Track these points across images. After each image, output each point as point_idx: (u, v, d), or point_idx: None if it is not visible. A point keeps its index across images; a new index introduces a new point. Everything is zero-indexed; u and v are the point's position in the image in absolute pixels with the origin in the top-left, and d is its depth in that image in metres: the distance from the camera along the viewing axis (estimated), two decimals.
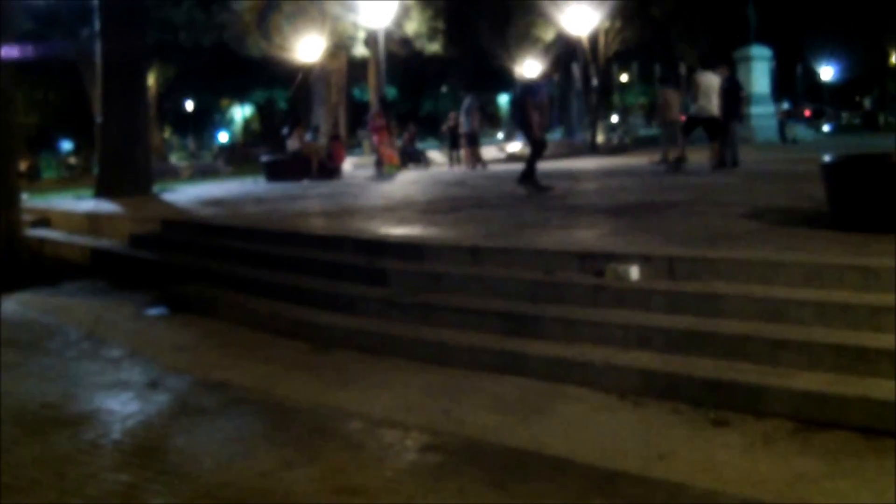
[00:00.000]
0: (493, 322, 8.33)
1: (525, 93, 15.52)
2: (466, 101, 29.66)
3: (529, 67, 51.25)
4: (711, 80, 19.53)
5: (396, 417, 6.85)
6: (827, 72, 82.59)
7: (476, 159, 29.25)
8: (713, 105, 19.30)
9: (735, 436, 6.08)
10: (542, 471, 5.74)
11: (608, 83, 39.92)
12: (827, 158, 9.68)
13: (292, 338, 9.43)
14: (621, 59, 50.73)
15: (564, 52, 46.17)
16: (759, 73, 37.18)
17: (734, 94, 20.09)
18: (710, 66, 20.64)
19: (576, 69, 44.57)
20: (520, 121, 15.81)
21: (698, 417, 6.44)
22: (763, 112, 36.43)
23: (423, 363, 8.16)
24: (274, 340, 9.50)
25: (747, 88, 31.56)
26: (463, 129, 29.62)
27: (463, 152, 30.07)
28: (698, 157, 20.74)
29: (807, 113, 35.52)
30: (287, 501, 5.52)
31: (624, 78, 64.28)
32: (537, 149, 15.65)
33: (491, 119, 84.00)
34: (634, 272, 8.19)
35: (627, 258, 8.40)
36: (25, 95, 47.84)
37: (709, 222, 10.57)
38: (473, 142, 29.48)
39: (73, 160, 66.44)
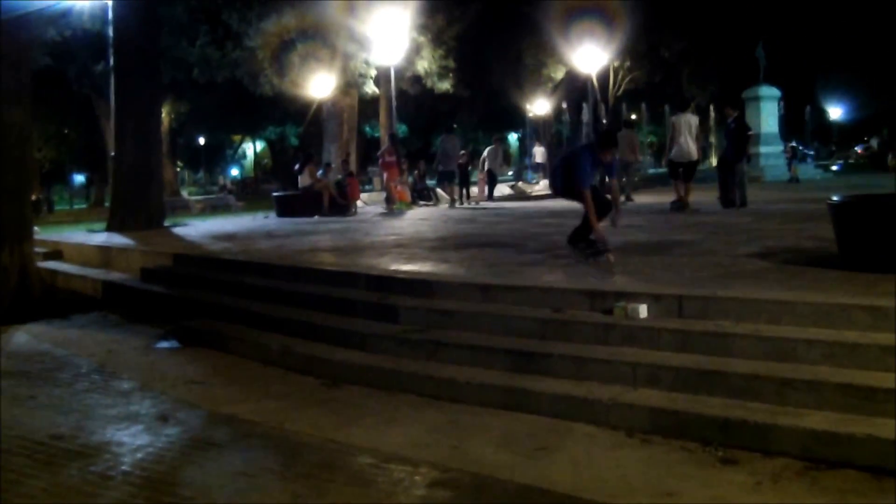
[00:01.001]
0: (503, 359, 8.34)
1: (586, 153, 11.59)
2: (442, 140, 29.80)
3: (539, 106, 51.48)
4: (687, 121, 19.82)
5: (406, 453, 6.85)
6: (836, 112, 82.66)
7: (454, 197, 29.43)
8: (690, 147, 19.60)
9: (743, 474, 6.06)
10: None
11: (617, 122, 39.93)
12: (835, 198, 9.69)
13: (303, 373, 9.44)
14: (631, 98, 50.90)
15: (574, 91, 46.38)
16: (767, 113, 37.28)
17: (742, 134, 20.17)
18: (683, 106, 20.94)
19: (585, 108, 44.73)
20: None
21: (707, 456, 6.43)
22: (772, 151, 36.50)
23: (432, 399, 8.16)
24: (285, 375, 9.50)
25: (756, 128, 31.70)
26: (440, 167, 29.65)
27: (449, 189, 30.14)
28: (707, 196, 20.75)
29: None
30: None
31: (633, 117, 64.60)
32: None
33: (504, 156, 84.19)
34: (643, 310, 8.20)
35: (636, 296, 8.41)
36: (40, 129, 48.12)
37: (718, 261, 10.58)
38: (452, 179, 29.62)
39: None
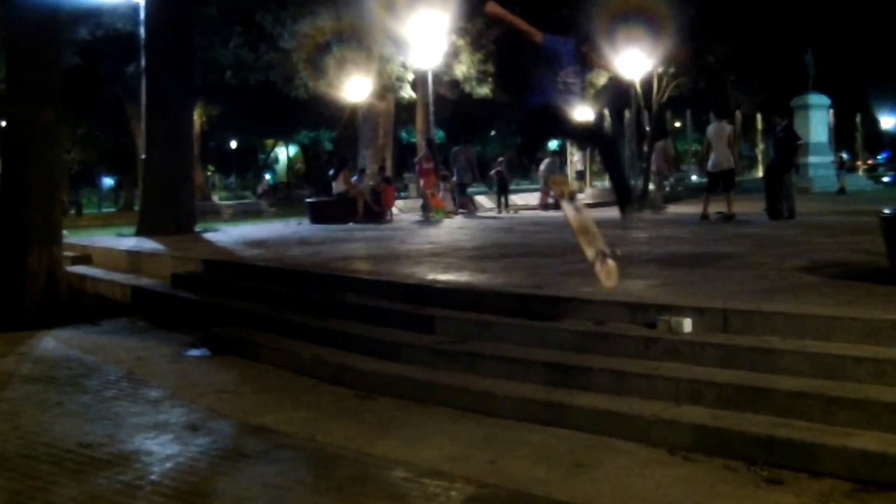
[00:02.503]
0: (541, 372, 8.33)
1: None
2: (456, 151, 29.97)
3: (581, 112, 51.41)
4: (720, 129, 19.89)
5: (441, 467, 6.86)
6: (888, 121, 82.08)
7: (464, 206, 29.56)
8: (722, 158, 19.71)
9: (789, 495, 6.04)
10: None
11: (661, 130, 39.80)
12: (887, 211, 9.64)
13: (336, 384, 9.47)
14: (675, 105, 50.70)
15: (616, 98, 46.24)
16: (816, 122, 37.15)
17: (790, 144, 20.12)
18: (719, 114, 21.01)
19: (628, 115, 44.59)
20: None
21: (750, 475, 6.40)
22: (820, 162, 36.33)
23: (468, 412, 8.16)
24: (317, 386, 9.54)
25: (805, 137, 31.57)
26: (456, 178, 29.84)
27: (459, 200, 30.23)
28: (754, 207, 20.68)
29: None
30: None
31: (678, 125, 64.24)
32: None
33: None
34: (687, 324, 8.18)
35: (680, 310, 8.39)
36: (69, 130, 48.46)
37: (764, 275, 10.54)
38: (465, 191, 29.88)
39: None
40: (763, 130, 49.54)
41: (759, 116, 50.51)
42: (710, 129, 20.65)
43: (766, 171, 21.62)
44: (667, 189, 26.14)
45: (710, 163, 20.40)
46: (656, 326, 8.36)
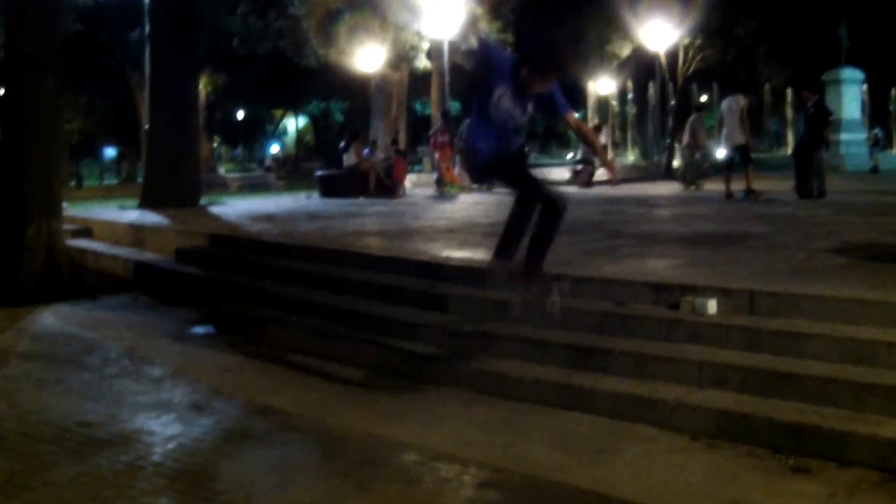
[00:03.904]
0: (559, 355, 8.33)
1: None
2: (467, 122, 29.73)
3: (603, 84, 51.26)
4: (733, 103, 19.87)
5: (454, 451, 6.87)
6: None
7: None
8: (734, 132, 19.68)
9: (816, 485, 6.03)
10: None
11: (687, 104, 39.59)
12: None
13: (345, 363, 9.48)
14: (701, 79, 50.49)
15: (640, 70, 46.12)
16: (849, 98, 36.96)
17: (821, 120, 20.02)
18: (733, 89, 20.96)
19: (652, 88, 44.48)
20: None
21: (776, 463, 6.40)
22: (853, 139, 36.16)
23: (483, 395, 8.17)
24: (326, 365, 9.54)
25: (837, 114, 31.42)
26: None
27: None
28: (783, 185, 20.63)
29: None
30: None
31: (704, 99, 64.05)
32: None
33: (562, 138, 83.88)
34: (712, 306, 8.16)
35: (705, 291, 8.37)
36: (70, 100, 48.43)
37: (792, 256, 10.51)
38: None
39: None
40: (793, 106, 49.30)
41: (789, 91, 50.29)
42: (724, 104, 20.66)
43: (796, 149, 21.51)
44: (704, 165, 25.96)
45: (723, 138, 20.43)
46: (680, 308, 8.35)
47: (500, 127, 7.88)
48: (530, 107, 7.94)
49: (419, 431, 7.33)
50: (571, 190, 27.20)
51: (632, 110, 52.59)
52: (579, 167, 30.04)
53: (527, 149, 8.53)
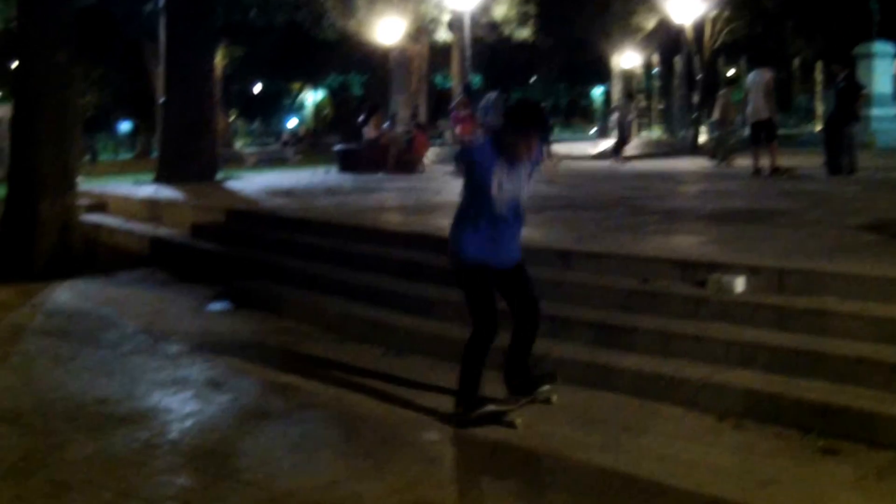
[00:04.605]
0: (583, 332, 8.34)
1: None
2: (491, 97, 29.57)
3: (627, 58, 51.05)
4: (757, 79, 19.80)
5: (475, 430, 6.89)
6: None
7: None
8: (758, 106, 19.59)
9: (846, 467, 6.03)
10: (634, 495, 5.74)
11: (713, 78, 39.40)
12: None
13: (364, 340, 9.50)
14: (728, 52, 50.26)
15: (666, 43, 45.89)
16: (881, 72, 36.64)
17: (852, 95, 19.89)
18: (760, 62, 20.86)
19: (678, 62, 44.27)
20: None
21: (805, 445, 6.39)
22: (885, 114, 35.91)
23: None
24: (344, 342, 9.59)
25: (868, 88, 31.17)
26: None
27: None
28: (812, 161, 20.55)
29: None
30: None
31: (731, 73, 63.71)
32: None
33: (585, 113, 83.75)
34: (740, 284, 8.15)
35: (732, 268, 8.35)
36: (84, 73, 48.46)
37: (822, 233, 10.48)
38: None
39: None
40: (823, 80, 49.03)
41: (818, 65, 50.02)
42: (749, 78, 20.59)
43: (826, 124, 21.40)
44: (732, 141, 25.85)
45: (747, 113, 20.37)
46: (706, 285, 8.33)
47: (499, 219, 7.00)
48: (529, 175, 7.11)
49: (439, 409, 7.34)
50: (604, 164, 27.16)
51: (657, 84, 52.35)
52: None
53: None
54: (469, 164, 7.05)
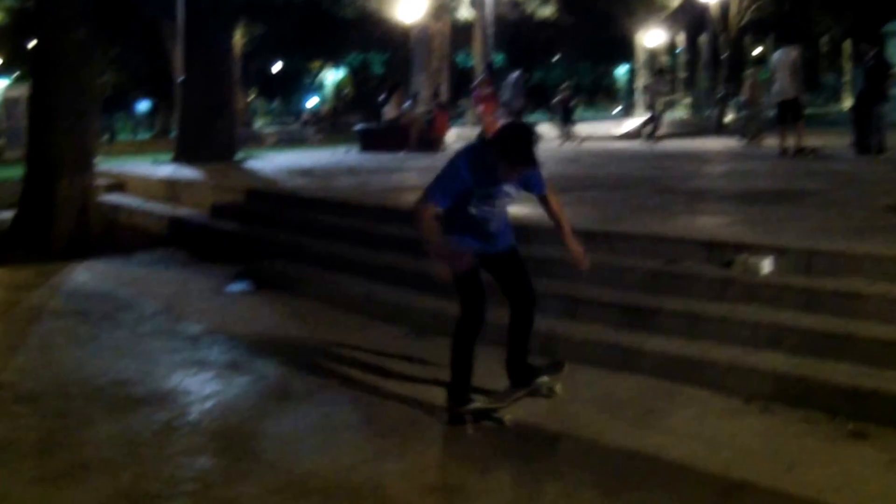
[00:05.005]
0: (607, 314, 8.33)
1: None
2: (512, 77, 29.46)
3: (652, 36, 50.91)
4: (784, 56, 19.69)
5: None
6: None
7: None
8: (784, 85, 19.47)
9: (874, 450, 6.02)
10: (659, 478, 5.74)
11: (739, 57, 39.31)
12: None
13: (386, 321, 9.52)
14: (755, 30, 50.05)
15: (691, 21, 45.74)
16: None
17: (881, 74, 19.77)
18: (786, 40, 20.73)
19: (703, 40, 44.11)
20: None
21: (833, 428, 6.38)
22: None
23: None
24: (367, 323, 9.62)
25: None
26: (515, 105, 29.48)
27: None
28: (840, 141, 20.45)
29: None
30: (377, 497, 5.59)
31: (757, 52, 63.43)
32: None
33: (609, 92, 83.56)
34: (767, 265, 8.12)
35: (760, 249, 8.32)
36: (101, 52, 48.45)
37: (850, 214, 10.42)
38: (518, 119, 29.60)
39: None
40: (851, 58, 48.79)
41: (847, 43, 49.78)
42: (775, 56, 20.47)
43: (855, 103, 21.28)
44: (761, 120, 25.77)
45: (773, 92, 20.26)
46: (733, 266, 8.31)
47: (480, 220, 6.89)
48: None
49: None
50: (637, 144, 27.07)
51: (682, 63, 52.22)
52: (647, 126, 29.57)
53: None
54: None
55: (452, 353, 6.92)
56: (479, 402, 6.86)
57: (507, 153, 6.45)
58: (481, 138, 6.57)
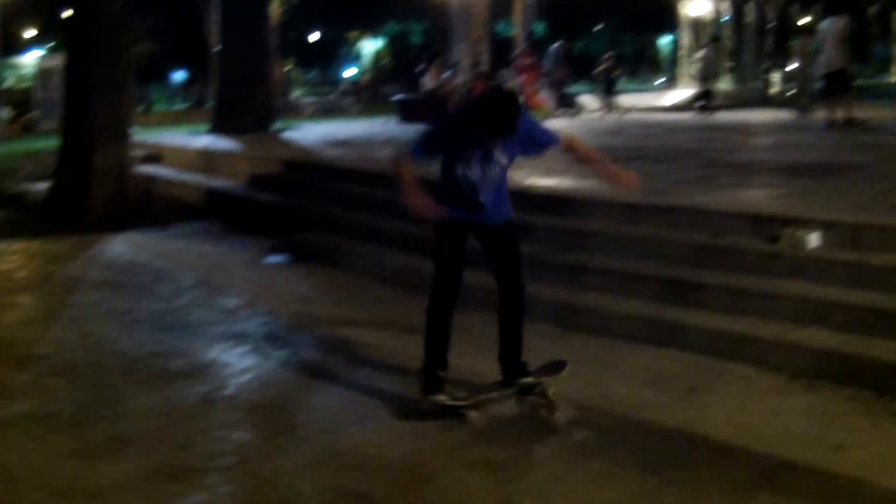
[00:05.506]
0: (650, 288, 8.31)
1: None
2: (554, 47, 29.34)
3: (696, 7, 50.55)
4: (830, 26, 19.42)
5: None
6: None
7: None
8: (832, 56, 19.20)
9: None
10: (702, 456, 5.73)
11: (786, 26, 38.97)
12: None
13: (423, 294, 9.49)
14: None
15: None
16: None
17: None
18: (833, 10, 20.44)
19: (750, 10, 43.77)
20: None
21: (880, 407, 6.36)
22: None
23: (569, 330, 8.18)
24: (405, 296, 9.61)
25: None
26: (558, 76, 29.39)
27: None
28: (889, 113, 20.28)
29: None
30: (416, 472, 5.60)
31: (804, 21, 62.89)
32: None
33: (652, 63, 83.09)
34: (814, 239, 8.06)
35: (807, 223, 8.25)
36: (137, 22, 48.54)
37: None
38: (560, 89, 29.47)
39: None
40: None
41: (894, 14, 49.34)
42: (823, 26, 20.16)
43: None
44: (813, 91, 25.54)
45: (820, 63, 20.03)
46: (779, 241, 8.26)
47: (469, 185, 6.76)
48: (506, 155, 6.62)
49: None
50: (687, 116, 26.89)
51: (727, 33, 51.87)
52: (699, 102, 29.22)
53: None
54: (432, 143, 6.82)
55: (425, 332, 6.85)
56: (442, 397, 6.62)
57: (484, 120, 6.20)
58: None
